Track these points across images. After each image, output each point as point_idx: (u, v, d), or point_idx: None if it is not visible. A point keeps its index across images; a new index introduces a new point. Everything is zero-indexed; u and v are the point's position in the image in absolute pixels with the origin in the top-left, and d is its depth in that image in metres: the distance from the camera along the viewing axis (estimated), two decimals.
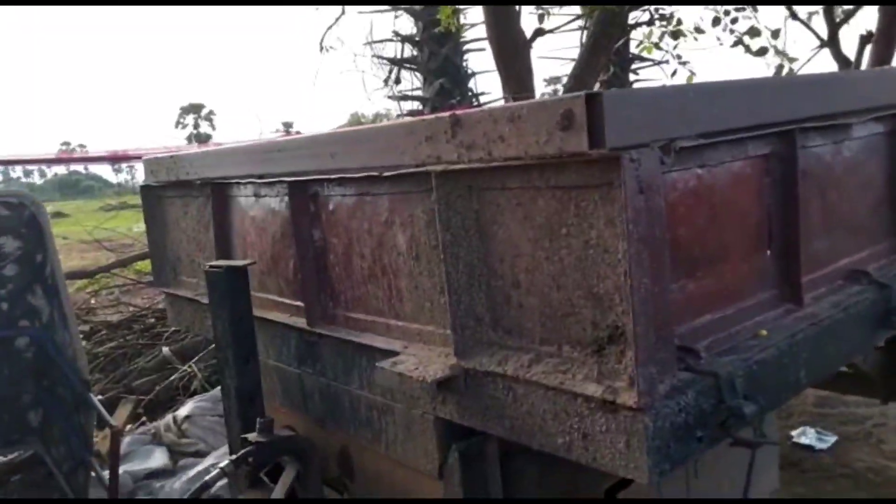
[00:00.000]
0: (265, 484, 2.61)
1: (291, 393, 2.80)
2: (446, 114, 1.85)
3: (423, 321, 2.13)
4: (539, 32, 9.31)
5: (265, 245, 2.82)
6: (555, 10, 10.46)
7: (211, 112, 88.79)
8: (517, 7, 8.94)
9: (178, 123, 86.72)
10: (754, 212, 2.10)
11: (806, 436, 4.66)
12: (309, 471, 2.57)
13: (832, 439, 4.61)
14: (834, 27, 10.77)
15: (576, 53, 11.83)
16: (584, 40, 9.54)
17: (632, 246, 1.53)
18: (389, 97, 10.55)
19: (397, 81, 11.55)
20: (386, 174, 2.10)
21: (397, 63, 11.25)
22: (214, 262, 2.73)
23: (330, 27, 10.52)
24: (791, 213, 2.14)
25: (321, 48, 10.37)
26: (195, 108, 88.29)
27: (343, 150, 2.24)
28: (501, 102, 9.67)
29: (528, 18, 9.24)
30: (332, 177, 2.36)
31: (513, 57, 8.95)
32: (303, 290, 2.58)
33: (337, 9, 10.46)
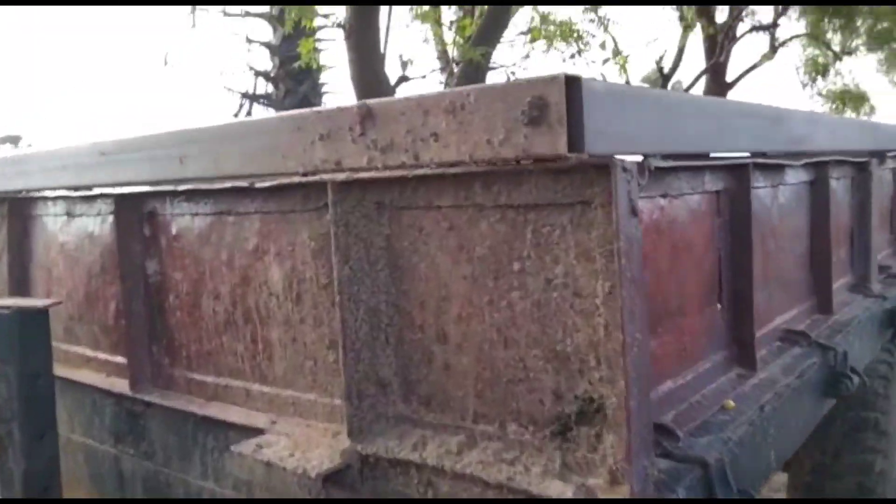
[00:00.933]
0: None
1: (104, 481, 2.08)
2: (354, 104, 1.35)
3: (302, 386, 1.57)
4: (403, 79, 9.06)
5: (78, 281, 2.12)
6: (417, 59, 10.32)
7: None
8: (382, 51, 8.65)
9: None
10: (708, 257, 1.77)
11: None
12: None
13: None
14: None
15: None
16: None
17: (624, 288, 1.10)
18: None
19: (248, 116, 10.81)
20: (259, 185, 1.55)
21: (250, 97, 10.55)
22: (1, 302, 2.00)
23: (179, 44, 9.66)
24: (744, 260, 1.83)
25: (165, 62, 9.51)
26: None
27: (197, 152, 1.65)
28: None
29: (391, 65, 8.92)
30: (179, 189, 1.76)
31: (374, 89, 8.60)
32: (127, 342, 1.92)
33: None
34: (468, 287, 1.29)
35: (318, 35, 9.36)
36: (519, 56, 12.21)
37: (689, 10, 15.37)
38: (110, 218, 1.93)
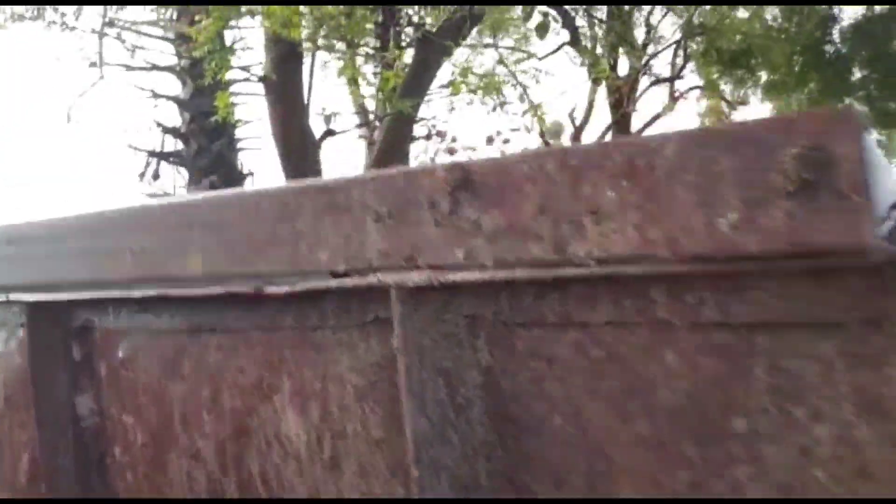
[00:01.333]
0: None
1: None
2: (439, 164, 0.87)
3: None
4: (329, 133, 8.58)
5: None
6: (341, 112, 9.90)
7: None
8: (305, 103, 8.18)
9: None
10: None
11: None
12: None
13: None
14: None
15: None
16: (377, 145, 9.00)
17: None
18: (149, 195, 8.95)
19: (155, 177, 10.00)
20: (271, 290, 1.02)
21: (157, 156, 9.76)
22: None
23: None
24: None
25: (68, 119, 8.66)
26: None
27: (160, 240, 1.10)
28: None
29: (314, 119, 8.46)
30: (132, 295, 1.20)
31: (302, 158, 8.08)
32: None
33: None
34: (647, 457, 0.81)
35: (235, 88, 8.79)
36: (443, 109, 12.04)
37: (599, 64, 15.76)
38: (20, 333, 1.34)
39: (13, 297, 1.30)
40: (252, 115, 9.34)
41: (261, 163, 13.89)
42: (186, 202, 1.26)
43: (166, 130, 9.57)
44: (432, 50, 8.58)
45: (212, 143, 9.37)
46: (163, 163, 9.69)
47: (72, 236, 1.22)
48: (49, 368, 1.32)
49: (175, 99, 9.58)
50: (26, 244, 1.26)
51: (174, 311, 1.17)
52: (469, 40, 12.61)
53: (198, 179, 9.45)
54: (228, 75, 8.06)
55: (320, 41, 8.78)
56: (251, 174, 9.73)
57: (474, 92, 11.16)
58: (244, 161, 10.36)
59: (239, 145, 9.86)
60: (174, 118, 9.81)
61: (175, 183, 9.75)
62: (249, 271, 1.01)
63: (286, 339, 1.06)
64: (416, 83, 8.62)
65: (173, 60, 9.64)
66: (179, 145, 9.64)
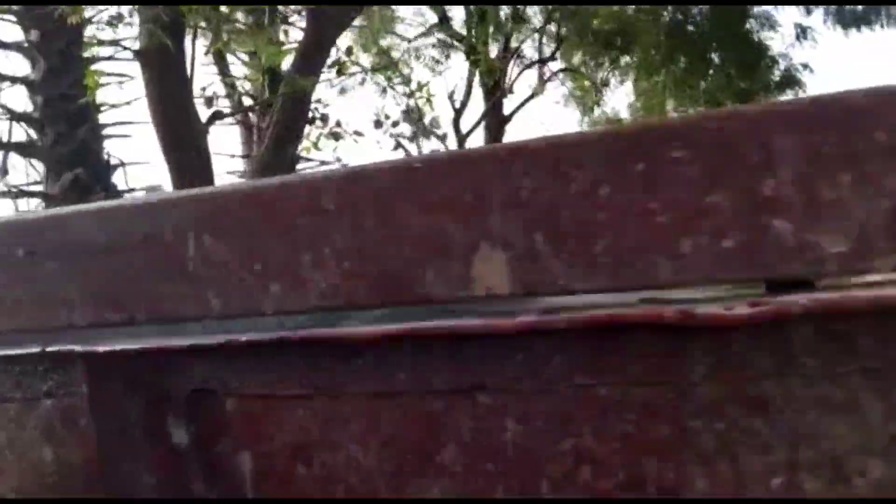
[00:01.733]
0: None
1: None
2: None
3: None
4: (217, 115, 7.71)
5: None
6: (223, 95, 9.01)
7: None
8: (190, 90, 7.26)
9: None
10: None
11: None
12: None
13: None
14: None
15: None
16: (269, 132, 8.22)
17: None
18: None
19: (4, 172, 8.64)
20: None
21: (3, 146, 8.40)
22: None
23: None
24: None
25: None
26: None
27: None
28: None
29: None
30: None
31: (188, 147, 7.19)
32: None
33: None
34: None
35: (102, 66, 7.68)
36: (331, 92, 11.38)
37: (480, 47, 15.60)
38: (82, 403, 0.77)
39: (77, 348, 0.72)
40: (119, 97, 8.29)
41: (130, 152, 12.33)
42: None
43: (15, 117, 8.25)
44: (328, 26, 7.94)
45: (73, 131, 8.19)
46: (12, 155, 8.36)
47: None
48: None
49: (23, 80, 8.27)
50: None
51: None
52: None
53: (58, 173, 8.24)
54: (95, 51, 7.01)
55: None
56: (122, 164, 8.62)
57: (366, 72, 10.63)
58: (112, 150, 9.21)
59: (104, 132, 8.70)
60: (24, 103, 8.49)
61: (28, 178, 8.46)
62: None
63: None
64: (314, 56, 7.95)
65: (19, 36, 8.31)
66: (32, 135, 8.34)
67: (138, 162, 8.90)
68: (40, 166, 8.38)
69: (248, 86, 12.21)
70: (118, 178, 8.57)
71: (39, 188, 8.41)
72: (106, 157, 8.58)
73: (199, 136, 7.34)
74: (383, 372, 0.63)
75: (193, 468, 0.76)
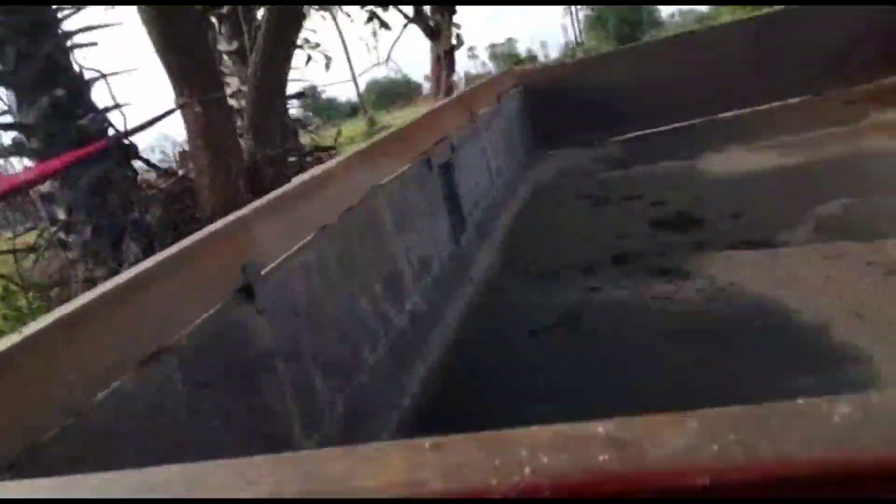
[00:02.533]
0: None
1: None
2: None
3: None
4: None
5: None
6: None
7: None
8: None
9: None
10: None
11: None
12: None
13: None
14: None
15: None
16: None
17: None
18: None
19: None
20: None
21: None
22: None
23: None
24: None
25: None
26: None
27: None
28: (178, 114, 6.59)
29: None
30: None
31: (189, 47, 6.03)
32: None
33: None
34: None
35: None
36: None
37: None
38: None
39: None
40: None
41: (103, 60, 10.33)
42: None
43: None
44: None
45: (39, 45, 6.86)
46: None
47: None
48: None
49: None
50: None
51: None
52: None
53: (30, 100, 6.98)
54: None
55: None
56: (102, 76, 7.32)
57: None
58: (83, 62, 7.88)
59: (71, 42, 7.32)
60: None
61: None
62: None
63: None
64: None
65: None
66: None
67: (118, 72, 7.58)
68: (10, 95, 7.07)
69: None
70: (98, 94, 7.30)
71: (10, 119, 7.16)
72: (80, 71, 7.27)
73: (202, 34, 6.16)
74: None
75: None
